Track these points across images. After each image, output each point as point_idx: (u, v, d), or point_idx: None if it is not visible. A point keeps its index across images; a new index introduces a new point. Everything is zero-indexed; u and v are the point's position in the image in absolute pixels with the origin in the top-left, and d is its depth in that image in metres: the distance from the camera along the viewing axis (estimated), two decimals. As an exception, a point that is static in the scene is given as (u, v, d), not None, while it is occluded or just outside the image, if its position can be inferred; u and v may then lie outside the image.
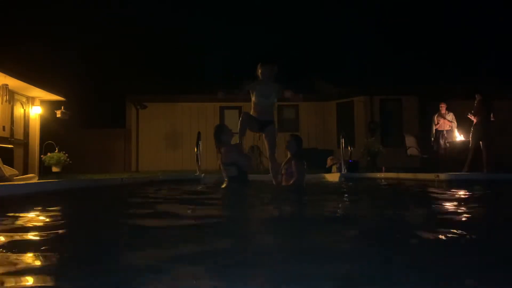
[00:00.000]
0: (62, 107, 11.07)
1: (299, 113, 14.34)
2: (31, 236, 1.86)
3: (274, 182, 5.12)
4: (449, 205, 3.04)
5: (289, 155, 5.05)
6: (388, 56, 17.60)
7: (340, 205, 3.47)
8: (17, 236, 1.82)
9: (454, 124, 9.63)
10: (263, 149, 9.92)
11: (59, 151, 10.82)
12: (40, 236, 1.84)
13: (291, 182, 4.85)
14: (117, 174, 10.51)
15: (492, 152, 7.52)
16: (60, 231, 2.05)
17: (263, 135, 5.13)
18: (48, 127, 11.36)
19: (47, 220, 2.43)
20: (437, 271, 1.20)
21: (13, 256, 1.38)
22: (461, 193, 3.96)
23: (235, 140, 5.04)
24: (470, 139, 7.87)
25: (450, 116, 9.66)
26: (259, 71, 5.07)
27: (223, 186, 4.71)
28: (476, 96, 7.72)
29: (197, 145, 7.16)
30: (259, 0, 23.17)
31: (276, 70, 5.15)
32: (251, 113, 5.10)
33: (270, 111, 5.13)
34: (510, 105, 11.96)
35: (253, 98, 5.07)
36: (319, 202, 3.80)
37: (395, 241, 1.68)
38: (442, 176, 5.12)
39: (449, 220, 2.32)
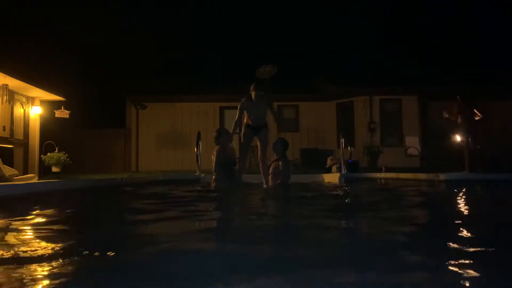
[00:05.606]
0: (62, 107, 11.06)
1: (299, 113, 14.31)
2: (26, 236, 1.86)
3: (263, 181, 5.52)
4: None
5: (275, 156, 5.49)
6: (388, 56, 17.58)
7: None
8: (12, 237, 1.82)
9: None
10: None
11: (59, 151, 10.81)
12: (31, 237, 1.84)
13: (278, 182, 5.27)
14: (117, 174, 10.50)
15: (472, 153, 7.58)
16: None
17: (257, 137, 5.59)
18: (48, 127, 11.34)
19: (42, 220, 2.42)
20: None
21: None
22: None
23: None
24: (460, 140, 7.92)
25: None
26: (252, 92, 5.46)
27: (212, 182, 5.26)
28: (457, 98, 7.76)
29: (197, 145, 7.17)
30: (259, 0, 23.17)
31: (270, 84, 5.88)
32: (245, 121, 5.61)
33: (262, 118, 5.63)
34: (505, 107, 12.00)
35: (247, 114, 5.63)
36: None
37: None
38: (442, 176, 5.13)
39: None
